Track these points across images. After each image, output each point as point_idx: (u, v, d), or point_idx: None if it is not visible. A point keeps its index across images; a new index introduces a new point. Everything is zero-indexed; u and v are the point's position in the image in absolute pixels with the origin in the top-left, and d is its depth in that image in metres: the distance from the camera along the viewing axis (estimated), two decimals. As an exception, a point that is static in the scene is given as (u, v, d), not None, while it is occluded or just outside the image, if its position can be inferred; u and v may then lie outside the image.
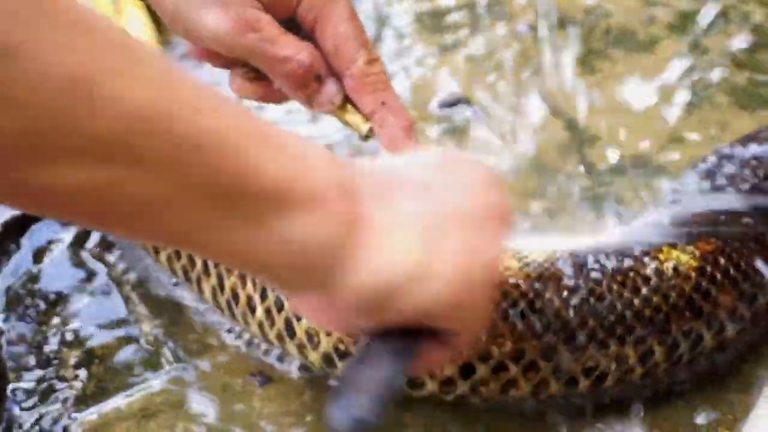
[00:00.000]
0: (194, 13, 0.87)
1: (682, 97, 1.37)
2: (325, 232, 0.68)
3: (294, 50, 0.88)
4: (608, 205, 1.23)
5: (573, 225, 1.20)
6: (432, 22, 1.53)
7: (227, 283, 0.99)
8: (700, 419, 0.98)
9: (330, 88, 0.90)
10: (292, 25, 0.90)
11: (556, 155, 1.31)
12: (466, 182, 0.77)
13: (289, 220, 0.67)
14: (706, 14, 1.46)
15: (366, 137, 0.92)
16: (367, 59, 0.90)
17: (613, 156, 1.31)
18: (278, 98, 0.94)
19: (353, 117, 0.92)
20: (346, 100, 0.92)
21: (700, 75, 1.38)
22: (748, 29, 1.43)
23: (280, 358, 1.02)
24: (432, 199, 0.74)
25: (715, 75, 1.38)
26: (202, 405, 1.00)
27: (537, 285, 0.91)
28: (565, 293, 0.91)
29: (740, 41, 1.42)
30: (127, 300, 1.10)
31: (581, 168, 1.29)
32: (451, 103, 1.37)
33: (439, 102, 1.38)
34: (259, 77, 0.92)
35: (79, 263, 1.14)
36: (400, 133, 0.90)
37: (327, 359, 0.94)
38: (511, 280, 0.91)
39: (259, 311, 0.97)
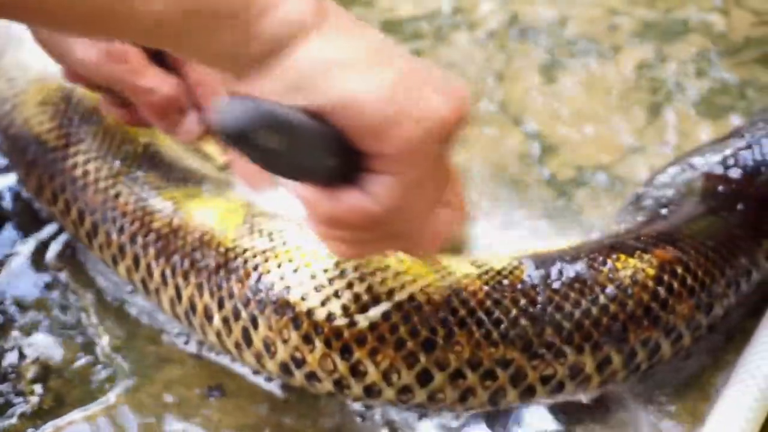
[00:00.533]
0: (65, 42, 0.92)
1: (644, 106, 1.38)
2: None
3: (157, 83, 0.95)
4: (569, 216, 1.24)
5: (533, 235, 1.21)
6: (393, 30, 1.54)
7: (185, 293, 0.99)
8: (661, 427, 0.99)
9: (190, 120, 0.95)
10: (160, 57, 0.96)
11: (516, 166, 1.32)
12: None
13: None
14: (669, 23, 1.48)
15: (223, 168, 0.96)
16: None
17: (574, 166, 1.32)
18: (144, 123, 0.98)
19: (213, 147, 0.96)
20: (207, 131, 0.96)
21: (663, 84, 1.40)
22: (710, 38, 1.45)
23: (239, 370, 1.03)
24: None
25: (678, 84, 1.39)
26: (159, 418, 0.99)
27: (494, 293, 0.92)
28: (523, 301, 0.92)
29: (702, 50, 1.43)
30: (85, 313, 1.10)
31: (542, 179, 1.30)
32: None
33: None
34: (126, 103, 0.99)
35: (37, 276, 1.14)
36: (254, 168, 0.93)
37: (284, 368, 0.94)
38: (469, 288, 0.91)
39: (216, 320, 0.97)
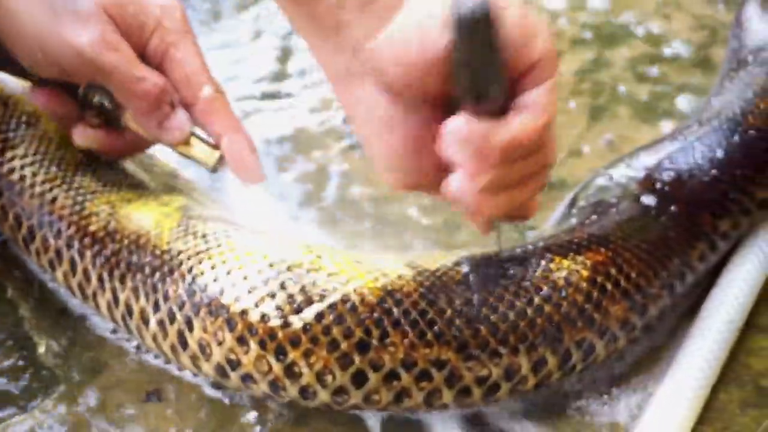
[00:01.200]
0: (57, 29, 0.93)
1: (585, 109, 1.40)
2: None
3: (150, 73, 0.99)
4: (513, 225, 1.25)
5: (471, 240, 1.22)
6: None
7: (121, 297, 1.00)
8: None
9: (181, 115, 0.96)
10: (141, 61, 1.00)
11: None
12: None
13: None
14: (609, 28, 1.50)
15: (214, 169, 0.97)
16: (215, 89, 1.00)
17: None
18: (119, 150, 1.00)
19: (200, 149, 0.98)
20: (191, 135, 1.00)
21: (602, 88, 1.42)
22: (649, 43, 1.47)
23: (180, 374, 1.03)
24: None
25: (617, 88, 1.41)
26: (96, 425, 0.99)
27: (429, 294, 0.93)
28: (458, 302, 0.93)
29: (642, 54, 1.45)
30: (23, 320, 1.09)
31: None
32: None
33: (344, 118, 1.40)
34: (102, 124, 1.02)
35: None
36: (248, 155, 0.95)
37: (220, 370, 0.95)
38: (404, 289, 0.92)
39: (153, 323, 0.97)
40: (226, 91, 1.05)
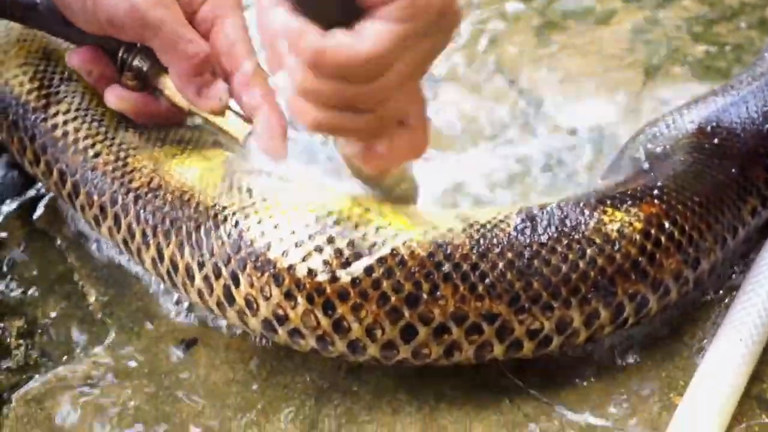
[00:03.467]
0: None
1: (640, 69, 1.39)
2: None
3: (197, 37, 1.00)
4: (563, 177, 1.24)
5: (526, 199, 1.21)
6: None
7: (166, 253, 1.00)
8: (650, 385, 0.99)
9: (221, 85, 0.96)
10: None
11: (512, 128, 1.32)
12: None
13: None
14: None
15: (243, 142, 0.97)
16: (255, 62, 1.01)
17: (568, 129, 1.32)
18: (151, 114, 1.01)
19: (233, 121, 1.00)
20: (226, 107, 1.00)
21: (656, 47, 1.40)
22: (704, 2, 1.45)
23: (225, 326, 1.04)
24: None
25: (671, 47, 1.40)
26: (146, 374, 1.01)
27: (480, 246, 0.92)
28: (509, 255, 0.92)
29: (696, 14, 1.44)
30: (72, 270, 1.11)
31: (536, 141, 1.31)
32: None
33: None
34: (138, 88, 1.03)
35: (25, 234, 1.15)
36: (278, 134, 0.97)
37: (267, 325, 0.95)
38: (454, 241, 0.92)
39: (198, 279, 0.97)
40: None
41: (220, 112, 1.00)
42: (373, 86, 0.84)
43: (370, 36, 0.81)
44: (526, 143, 1.30)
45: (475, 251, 0.91)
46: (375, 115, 0.87)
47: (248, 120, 1.01)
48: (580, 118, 1.33)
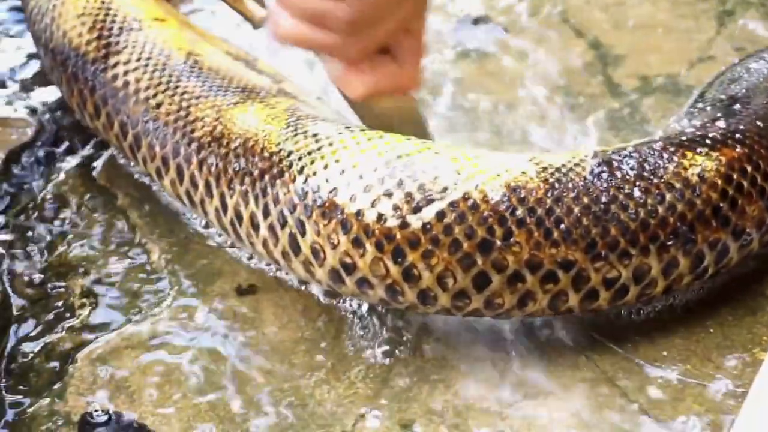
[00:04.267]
0: None
1: (712, 15, 1.35)
2: None
3: None
4: (634, 126, 1.21)
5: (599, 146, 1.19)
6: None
7: (230, 203, 0.98)
8: (733, 340, 0.96)
9: None
10: None
11: (579, 76, 1.30)
12: None
13: None
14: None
15: (257, 26, 0.95)
16: None
17: (639, 76, 1.29)
18: None
19: (251, 5, 1.00)
20: None
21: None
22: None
23: (291, 283, 1.02)
24: None
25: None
26: (212, 332, 0.99)
27: (555, 190, 0.89)
28: (585, 199, 0.89)
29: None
30: (134, 227, 1.09)
31: (606, 89, 1.28)
32: (473, 21, 1.36)
33: (457, 24, 1.37)
34: None
35: (84, 190, 1.14)
36: (286, 19, 0.95)
37: (334, 275, 0.93)
38: (528, 185, 0.89)
39: (263, 229, 0.96)
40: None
41: None
42: (343, 6, 0.87)
43: None
44: (598, 94, 1.27)
45: (549, 195, 0.89)
46: (351, 38, 0.89)
47: (263, 3, 1.01)
48: (652, 67, 1.30)
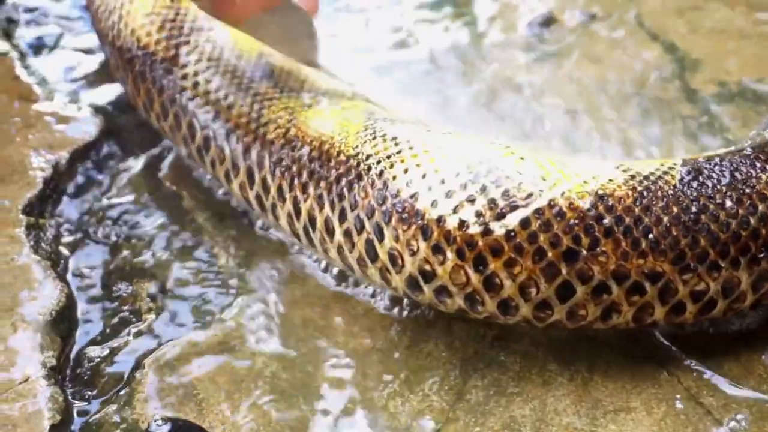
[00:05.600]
0: None
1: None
2: None
3: None
4: (713, 134, 1.20)
5: (674, 155, 1.17)
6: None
7: (303, 207, 0.97)
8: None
9: None
10: None
11: (655, 82, 1.28)
12: None
13: None
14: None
15: None
16: None
17: (717, 82, 1.28)
18: None
19: None
20: None
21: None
22: None
23: (365, 291, 1.01)
24: None
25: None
26: (282, 339, 0.98)
27: (643, 199, 0.88)
28: (675, 209, 0.88)
29: None
30: (201, 230, 1.09)
31: (683, 95, 1.26)
32: (543, 24, 1.35)
33: (527, 26, 1.36)
34: None
35: (150, 191, 1.14)
36: None
37: (412, 283, 0.92)
38: (616, 193, 0.88)
39: (338, 234, 0.95)
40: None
41: None
42: None
43: None
44: (674, 100, 1.25)
45: (638, 204, 0.87)
46: None
47: None
48: (731, 73, 1.28)
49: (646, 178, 0.89)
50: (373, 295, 1.00)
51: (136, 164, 1.16)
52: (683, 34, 1.35)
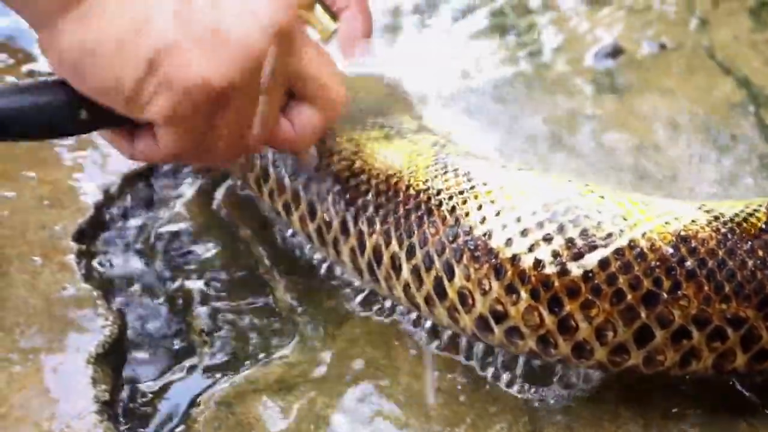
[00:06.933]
0: None
1: None
2: None
3: None
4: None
5: (751, 194, 1.17)
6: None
7: (368, 243, 0.97)
8: None
9: None
10: None
11: (728, 117, 1.28)
12: None
13: None
14: None
15: (327, 40, 0.96)
16: None
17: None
18: None
19: (320, 16, 1.00)
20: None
21: None
22: None
23: (427, 329, 1.00)
24: None
25: None
26: (342, 379, 0.97)
27: (727, 242, 0.87)
28: (761, 253, 0.87)
29: None
30: (258, 263, 1.09)
31: (758, 131, 1.26)
32: (610, 55, 1.35)
33: (594, 57, 1.36)
34: None
35: (204, 221, 1.14)
36: (362, 37, 0.99)
37: (482, 323, 0.91)
38: (699, 235, 0.87)
39: (405, 271, 0.95)
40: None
41: (309, 4, 1.00)
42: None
43: (161, 141, 0.84)
44: (749, 136, 1.25)
45: (722, 247, 0.87)
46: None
47: (335, 17, 1.01)
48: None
49: (731, 220, 0.88)
50: (436, 336, 0.99)
51: (189, 191, 1.16)
52: (757, 68, 1.34)
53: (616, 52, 1.35)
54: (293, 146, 0.92)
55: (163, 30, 0.79)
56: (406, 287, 0.95)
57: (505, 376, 0.96)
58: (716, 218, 0.88)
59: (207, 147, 0.86)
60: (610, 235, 0.87)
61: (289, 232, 1.10)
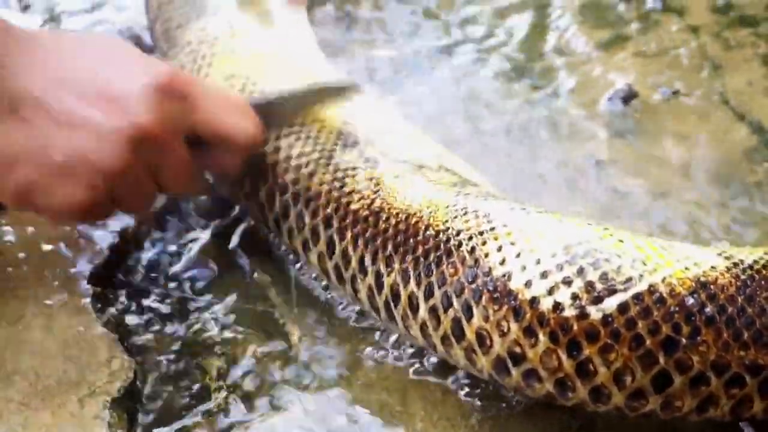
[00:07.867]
0: None
1: None
2: None
3: None
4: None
5: (764, 241, 1.18)
6: (596, 13, 1.52)
7: (386, 281, 0.99)
8: None
9: None
10: None
11: (742, 163, 1.29)
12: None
13: None
14: None
15: None
16: None
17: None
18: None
19: None
20: None
21: None
22: None
23: (444, 374, 1.01)
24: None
25: None
26: (359, 426, 0.98)
27: (747, 288, 0.89)
28: (780, 299, 0.89)
29: None
30: (273, 306, 1.10)
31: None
32: (624, 99, 1.36)
33: (607, 101, 1.37)
34: None
35: (220, 264, 1.14)
36: None
37: (499, 365, 0.92)
38: (718, 281, 0.89)
39: (423, 310, 0.96)
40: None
41: None
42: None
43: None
44: (764, 183, 1.26)
45: (741, 293, 0.88)
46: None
47: None
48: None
49: (750, 267, 0.90)
50: (454, 381, 1.00)
51: (205, 234, 1.16)
52: (768, 115, 1.36)
53: (630, 96, 1.37)
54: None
55: (24, 175, 0.94)
56: (424, 327, 0.97)
57: (520, 422, 0.97)
58: (735, 265, 0.90)
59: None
60: (629, 279, 0.88)
61: (306, 275, 1.10)
